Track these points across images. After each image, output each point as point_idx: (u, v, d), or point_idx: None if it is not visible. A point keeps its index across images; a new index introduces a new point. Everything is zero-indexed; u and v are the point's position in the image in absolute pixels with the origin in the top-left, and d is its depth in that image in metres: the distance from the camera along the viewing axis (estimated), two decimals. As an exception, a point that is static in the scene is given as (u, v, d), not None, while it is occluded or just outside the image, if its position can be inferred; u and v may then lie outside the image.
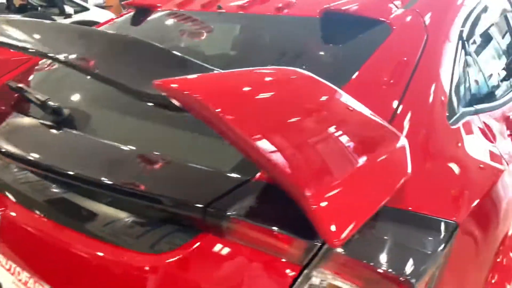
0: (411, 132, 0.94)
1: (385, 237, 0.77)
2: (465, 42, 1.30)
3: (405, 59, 1.07)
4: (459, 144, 1.05)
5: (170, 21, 1.68)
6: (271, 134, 0.60)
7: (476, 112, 1.22)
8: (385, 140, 0.77)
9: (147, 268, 0.76)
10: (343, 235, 0.60)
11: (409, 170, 0.79)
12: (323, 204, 0.60)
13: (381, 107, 0.96)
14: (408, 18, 1.18)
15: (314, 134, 0.65)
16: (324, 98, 0.72)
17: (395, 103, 0.97)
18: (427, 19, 1.20)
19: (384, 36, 1.11)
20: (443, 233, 0.82)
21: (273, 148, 0.58)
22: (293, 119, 0.64)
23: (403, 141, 0.82)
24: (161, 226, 0.82)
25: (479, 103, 1.28)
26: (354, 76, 1.02)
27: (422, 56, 1.09)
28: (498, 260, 1.09)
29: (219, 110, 0.57)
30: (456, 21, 1.29)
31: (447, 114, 1.06)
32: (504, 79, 1.60)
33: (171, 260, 0.75)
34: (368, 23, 1.17)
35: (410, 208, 0.83)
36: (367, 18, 1.17)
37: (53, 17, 6.30)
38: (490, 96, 1.41)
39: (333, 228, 0.59)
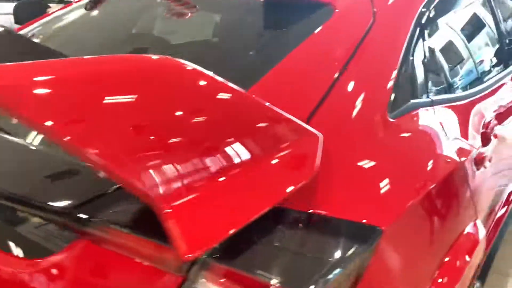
0: (336, 124, 0.85)
1: (285, 245, 0.68)
2: (427, 27, 1.18)
3: (343, 43, 0.96)
4: (400, 139, 0.95)
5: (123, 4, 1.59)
6: (95, 131, 0.51)
7: (433, 104, 1.11)
8: (280, 137, 0.67)
9: (18, 273, 0.69)
10: (197, 249, 0.51)
11: (315, 170, 0.70)
12: (175, 211, 0.51)
13: (306, 94, 0.87)
14: (354, 1, 1.07)
15: (163, 130, 0.56)
16: (189, 88, 0.62)
17: (322, 91, 0.87)
18: (378, 2, 1.09)
19: (324, 18, 1.01)
20: (360, 240, 0.73)
21: (95, 148, 0.50)
22: (135, 111, 0.55)
23: (311, 137, 0.73)
24: (40, 230, 0.74)
25: (439, 94, 1.17)
26: (283, 59, 0.92)
27: (363, 41, 0.98)
28: (447, 260, 1.00)
29: (14, 105, 0.48)
30: (415, 5, 1.17)
31: (389, 106, 0.96)
32: (478, 68, 1.47)
33: (42, 266, 0.68)
34: (310, 5, 1.06)
35: (325, 212, 0.74)
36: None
37: (49, 4, 6.24)
38: (456, 86, 1.29)
39: (185, 240, 0.51)
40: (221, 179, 0.56)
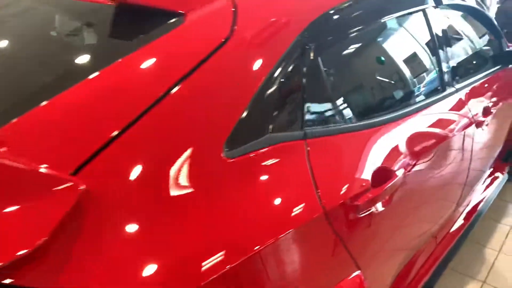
0: (135, 168, 0.69)
1: None
2: (312, 49, 1.00)
3: (178, 61, 0.80)
4: (239, 182, 0.78)
5: None
6: None
7: (306, 137, 0.95)
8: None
9: None
10: None
11: (50, 234, 0.54)
12: None
13: (100, 124, 0.70)
14: (209, 12, 0.90)
15: None
16: None
17: (124, 121, 0.70)
18: (245, 15, 0.92)
19: (164, 31, 0.85)
20: None
21: None
22: None
23: (61, 190, 0.57)
24: None
25: (320, 125, 1.00)
26: (93, 76, 0.76)
27: (207, 61, 0.82)
28: None
29: None
30: (303, 21, 1.00)
31: (229, 141, 0.80)
32: (381, 95, 1.28)
33: None
34: (158, 14, 0.90)
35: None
36: (157, 8, 0.91)
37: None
38: (348, 116, 1.10)
39: None
40: None
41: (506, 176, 2.69)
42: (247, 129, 0.84)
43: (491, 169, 2.47)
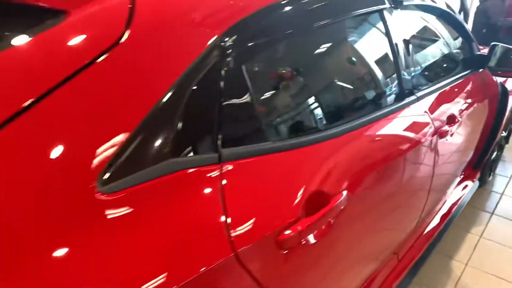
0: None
1: None
2: (240, 53, 0.85)
3: (47, 68, 0.64)
4: (117, 225, 0.63)
5: None
6: None
7: (221, 160, 0.80)
8: None
9: None
10: None
11: None
12: None
13: None
14: (99, 9, 0.74)
15: None
16: None
17: None
18: (144, 14, 0.76)
19: (34, 32, 0.68)
20: None
21: None
22: None
23: None
24: None
25: (240, 144, 0.85)
26: None
27: (88, 68, 0.66)
28: None
29: None
30: (222, 23, 0.85)
31: (107, 171, 0.64)
32: (317, 108, 1.10)
33: None
34: (35, 11, 0.74)
35: None
36: (33, 5, 0.75)
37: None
38: (275, 134, 0.95)
39: None
40: None
41: (476, 183, 2.60)
42: (138, 154, 0.69)
43: (462, 177, 2.37)
